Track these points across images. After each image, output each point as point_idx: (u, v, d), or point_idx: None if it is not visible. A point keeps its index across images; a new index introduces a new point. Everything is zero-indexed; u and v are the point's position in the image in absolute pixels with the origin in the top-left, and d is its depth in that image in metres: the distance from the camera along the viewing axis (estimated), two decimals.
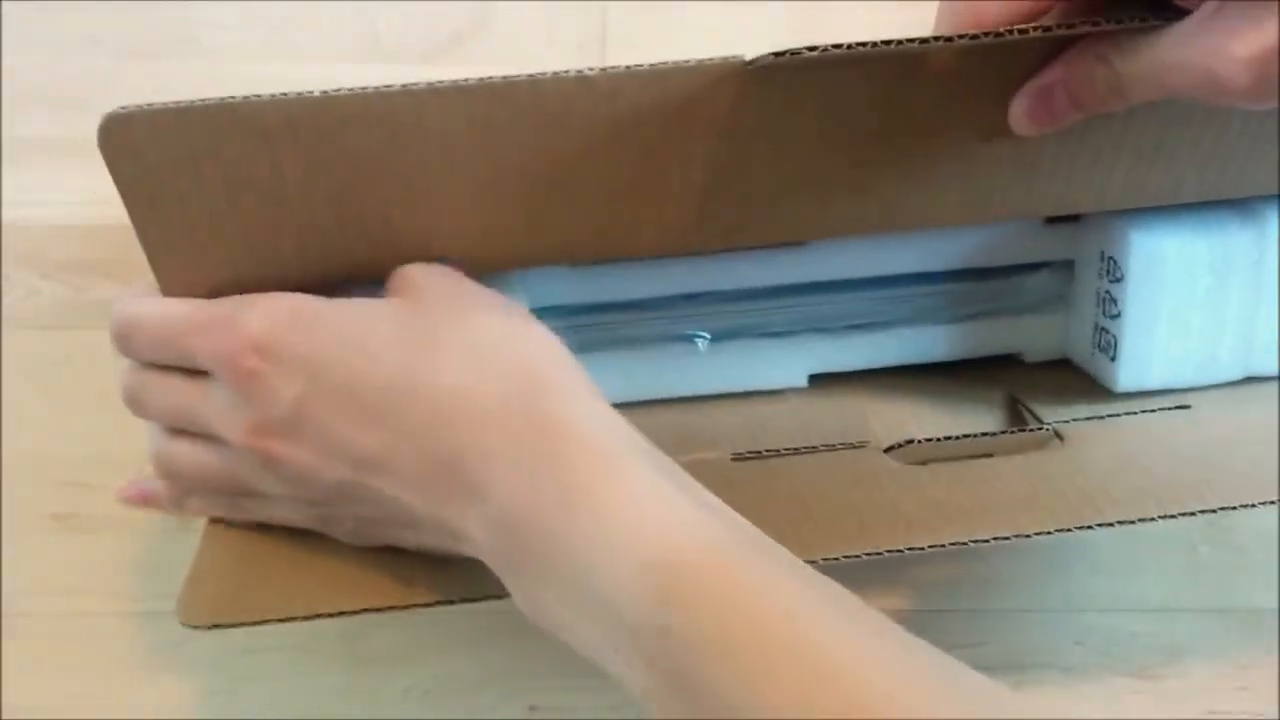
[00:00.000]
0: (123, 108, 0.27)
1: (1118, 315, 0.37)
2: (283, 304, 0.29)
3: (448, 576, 0.31)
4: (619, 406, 0.34)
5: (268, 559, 0.33)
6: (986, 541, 0.31)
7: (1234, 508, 0.32)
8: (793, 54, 0.25)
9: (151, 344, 0.31)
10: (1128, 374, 0.37)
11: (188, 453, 0.31)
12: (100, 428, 0.48)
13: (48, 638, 0.39)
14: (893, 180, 0.31)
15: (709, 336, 0.38)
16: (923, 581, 0.43)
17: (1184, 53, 0.24)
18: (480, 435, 0.27)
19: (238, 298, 0.30)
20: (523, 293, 0.34)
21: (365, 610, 0.31)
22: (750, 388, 0.39)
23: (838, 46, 0.25)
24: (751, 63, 0.27)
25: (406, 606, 0.31)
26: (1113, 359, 0.38)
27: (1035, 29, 0.26)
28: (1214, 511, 0.32)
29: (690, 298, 0.37)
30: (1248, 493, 0.32)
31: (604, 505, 0.25)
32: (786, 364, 0.39)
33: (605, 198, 0.29)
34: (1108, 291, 0.37)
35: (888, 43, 0.26)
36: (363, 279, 0.31)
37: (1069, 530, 0.31)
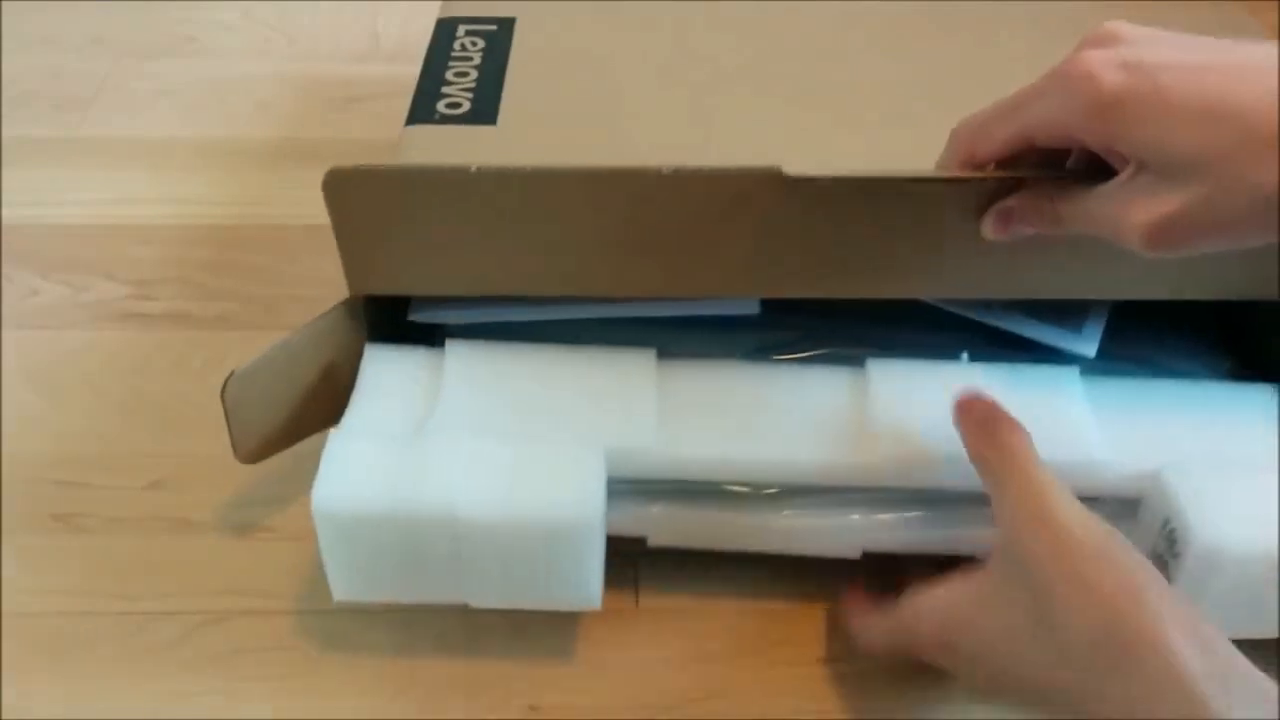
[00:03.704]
0: (341, 166, 0.36)
1: None
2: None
3: None
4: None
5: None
6: None
7: None
8: (814, 177, 0.35)
9: None
10: None
11: None
12: (100, 428, 0.48)
13: (48, 638, 0.39)
14: (896, 261, 0.38)
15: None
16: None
17: (1101, 208, 0.31)
18: None
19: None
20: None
21: None
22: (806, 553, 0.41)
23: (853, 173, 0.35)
24: (789, 176, 0.35)
25: None
26: None
27: (1006, 174, 0.34)
28: None
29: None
30: None
31: None
32: (842, 537, 0.40)
33: (677, 253, 0.38)
34: None
35: (892, 173, 0.35)
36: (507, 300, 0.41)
37: None
